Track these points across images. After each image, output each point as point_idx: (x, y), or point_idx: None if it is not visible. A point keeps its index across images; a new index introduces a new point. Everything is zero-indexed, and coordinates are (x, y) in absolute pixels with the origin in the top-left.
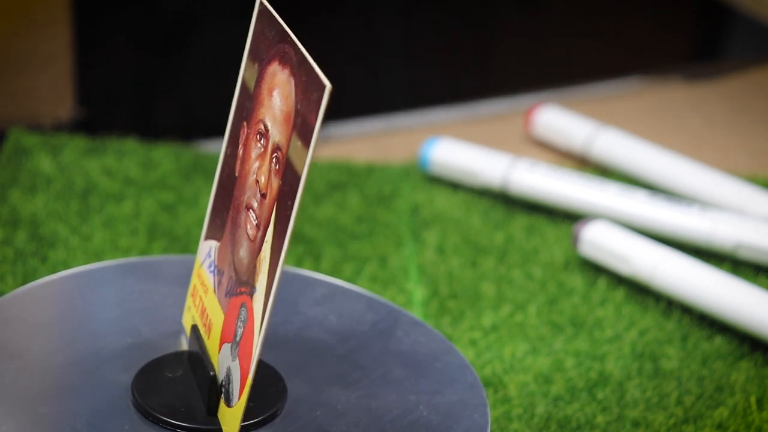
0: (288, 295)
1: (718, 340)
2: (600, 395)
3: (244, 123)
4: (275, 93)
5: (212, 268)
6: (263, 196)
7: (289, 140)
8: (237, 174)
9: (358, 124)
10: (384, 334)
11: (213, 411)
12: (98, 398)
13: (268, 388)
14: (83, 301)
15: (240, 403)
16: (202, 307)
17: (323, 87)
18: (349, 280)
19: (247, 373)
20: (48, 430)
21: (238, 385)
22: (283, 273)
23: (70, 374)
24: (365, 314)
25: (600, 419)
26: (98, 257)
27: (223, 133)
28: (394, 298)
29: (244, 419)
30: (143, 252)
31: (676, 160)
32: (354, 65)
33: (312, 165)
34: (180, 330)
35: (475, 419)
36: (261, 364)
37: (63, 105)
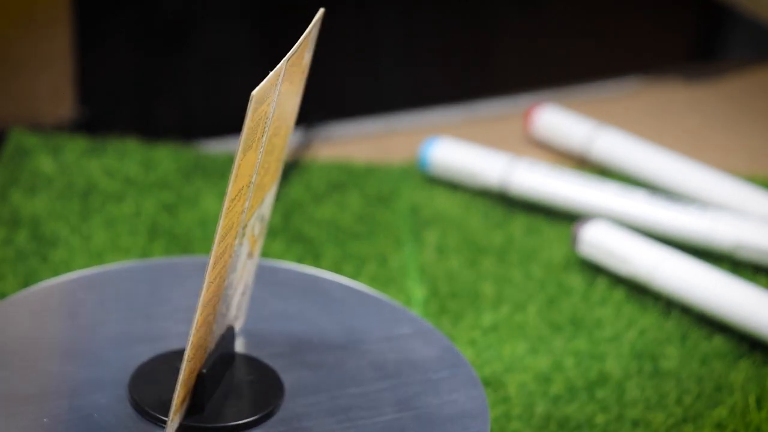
0: (365, 323)
1: (718, 340)
2: (599, 395)
3: None
4: None
5: None
6: None
7: None
8: None
9: (358, 124)
10: (427, 384)
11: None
12: (103, 373)
13: (260, 400)
14: (142, 288)
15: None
16: None
17: None
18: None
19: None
20: (40, 384)
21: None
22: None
23: (99, 345)
24: (427, 362)
25: (599, 419)
26: (99, 257)
27: (223, 133)
28: (394, 297)
29: (220, 420)
30: (144, 252)
31: (675, 160)
32: (354, 65)
33: (312, 165)
34: None
35: None
36: (275, 378)
37: (63, 105)
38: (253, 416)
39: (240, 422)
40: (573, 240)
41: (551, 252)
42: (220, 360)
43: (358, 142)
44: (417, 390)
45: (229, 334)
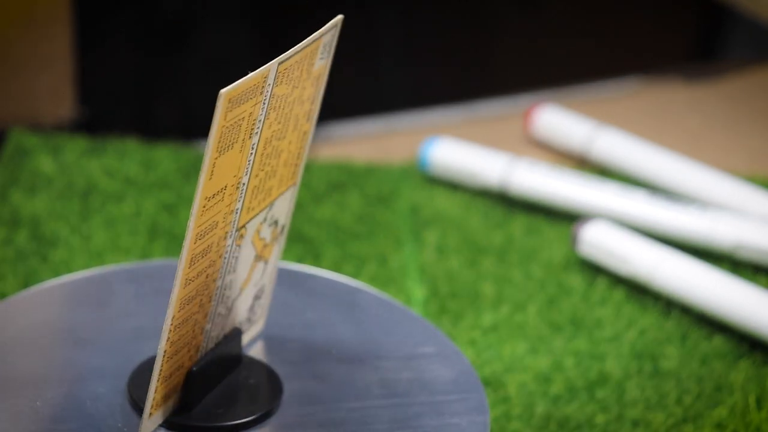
0: (390, 340)
1: (718, 340)
2: (599, 395)
3: None
4: None
5: None
6: None
7: None
8: None
9: (358, 124)
10: (432, 406)
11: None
12: (107, 364)
13: (252, 404)
14: (149, 287)
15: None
16: None
17: None
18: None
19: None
20: (40, 375)
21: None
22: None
23: (106, 340)
24: (440, 384)
25: (599, 419)
26: (99, 257)
27: None
28: (394, 297)
29: (204, 420)
30: (144, 252)
31: (675, 160)
32: (354, 65)
33: (312, 165)
34: None
35: None
36: (276, 384)
37: (63, 105)
38: (241, 419)
39: (226, 424)
40: (573, 240)
41: (551, 252)
42: (219, 360)
43: (358, 142)
44: (419, 410)
45: (234, 336)
